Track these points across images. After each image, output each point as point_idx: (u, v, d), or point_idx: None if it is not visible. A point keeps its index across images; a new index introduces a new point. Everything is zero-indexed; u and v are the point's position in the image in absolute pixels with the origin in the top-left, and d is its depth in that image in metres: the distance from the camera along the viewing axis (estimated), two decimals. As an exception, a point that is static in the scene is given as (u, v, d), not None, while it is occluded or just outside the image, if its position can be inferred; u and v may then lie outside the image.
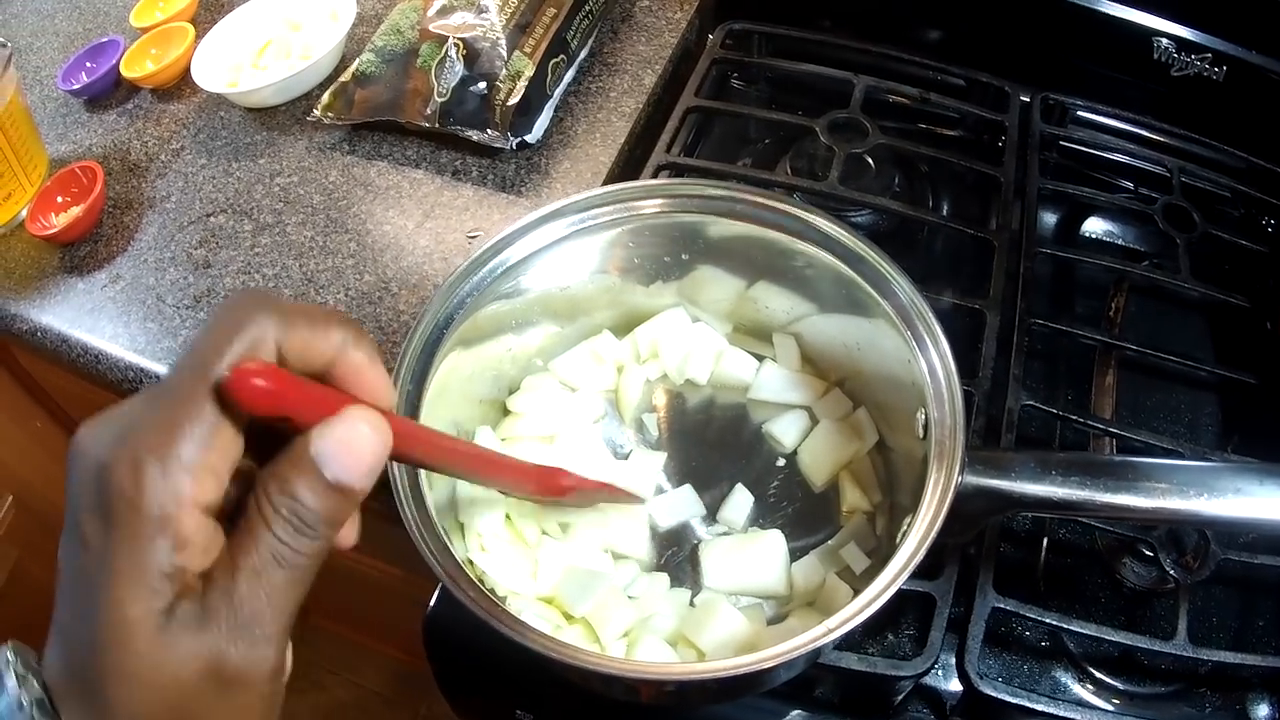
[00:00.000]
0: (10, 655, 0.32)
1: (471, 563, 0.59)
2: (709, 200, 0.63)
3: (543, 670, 0.54)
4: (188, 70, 0.92)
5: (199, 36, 0.95)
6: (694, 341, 0.69)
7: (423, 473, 0.53)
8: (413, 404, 0.56)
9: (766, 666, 0.46)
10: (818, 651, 0.49)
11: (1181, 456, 0.69)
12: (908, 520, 0.53)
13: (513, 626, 0.47)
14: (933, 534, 0.49)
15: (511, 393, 0.68)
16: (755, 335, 0.71)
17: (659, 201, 0.63)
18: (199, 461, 0.31)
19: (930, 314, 0.58)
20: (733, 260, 0.66)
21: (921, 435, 0.56)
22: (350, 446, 0.34)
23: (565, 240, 0.63)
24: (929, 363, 0.57)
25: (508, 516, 0.62)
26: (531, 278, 0.63)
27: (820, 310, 0.66)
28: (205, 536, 0.32)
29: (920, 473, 0.54)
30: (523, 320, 0.66)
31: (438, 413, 0.59)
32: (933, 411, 0.55)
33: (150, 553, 0.31)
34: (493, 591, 0.58)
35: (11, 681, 0.31)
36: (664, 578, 0.62)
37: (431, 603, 0.67)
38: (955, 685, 0.62)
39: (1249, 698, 0.65)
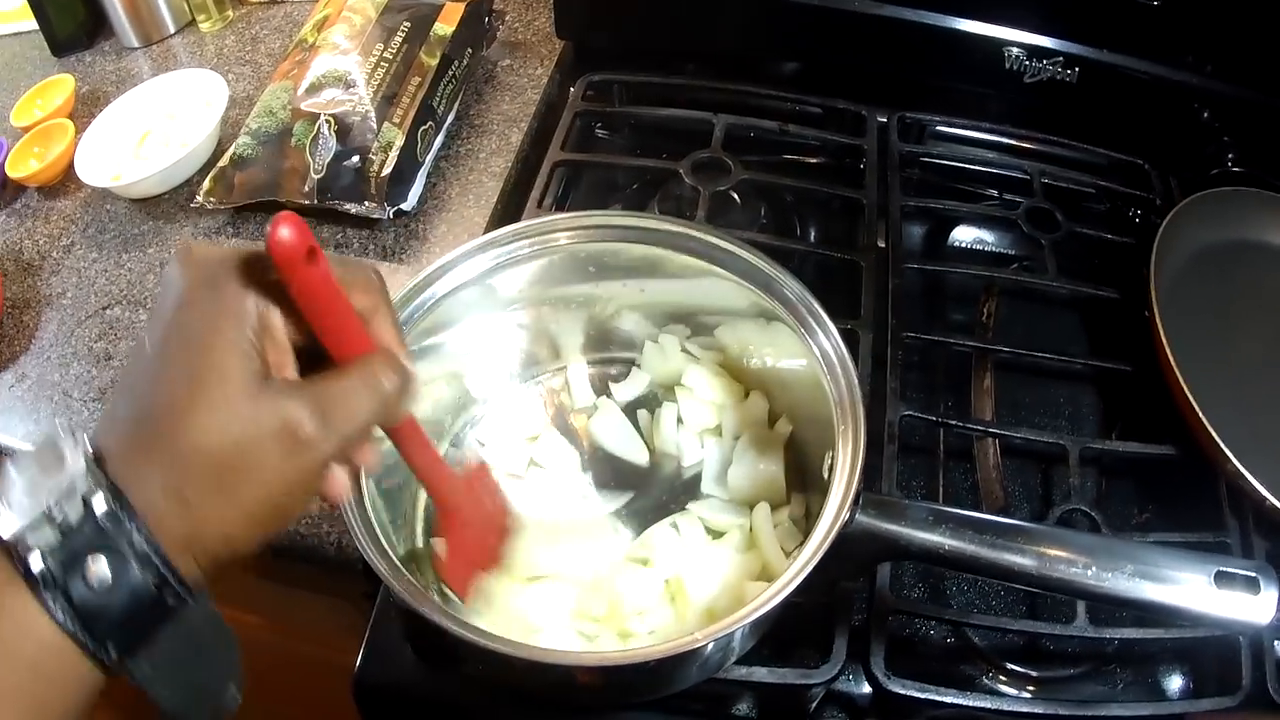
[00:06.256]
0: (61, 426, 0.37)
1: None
2: (612, 229, 0.67)
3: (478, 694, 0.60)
4: (71, 166, 0.93)
5: (79, 132, 0.95)
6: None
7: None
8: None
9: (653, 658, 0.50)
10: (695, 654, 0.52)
11: (1064, 451, 0.71)
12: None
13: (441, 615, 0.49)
14: (809, 568, 0.51)
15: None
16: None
17: (569, 232, 0.66)
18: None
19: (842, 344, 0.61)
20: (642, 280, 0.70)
21: (826, 475, 0.57)
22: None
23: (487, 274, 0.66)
24: (839, 403, 0.59)
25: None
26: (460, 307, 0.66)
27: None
28: (280, 345, 0.40)
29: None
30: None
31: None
32: (839, 454, 0.56)
33: (246, 324, 0.38)
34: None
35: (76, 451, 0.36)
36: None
37: (357, 664, 0.65)
38: (868, 688, 0.63)
39: (1160, 670, 0.67)
